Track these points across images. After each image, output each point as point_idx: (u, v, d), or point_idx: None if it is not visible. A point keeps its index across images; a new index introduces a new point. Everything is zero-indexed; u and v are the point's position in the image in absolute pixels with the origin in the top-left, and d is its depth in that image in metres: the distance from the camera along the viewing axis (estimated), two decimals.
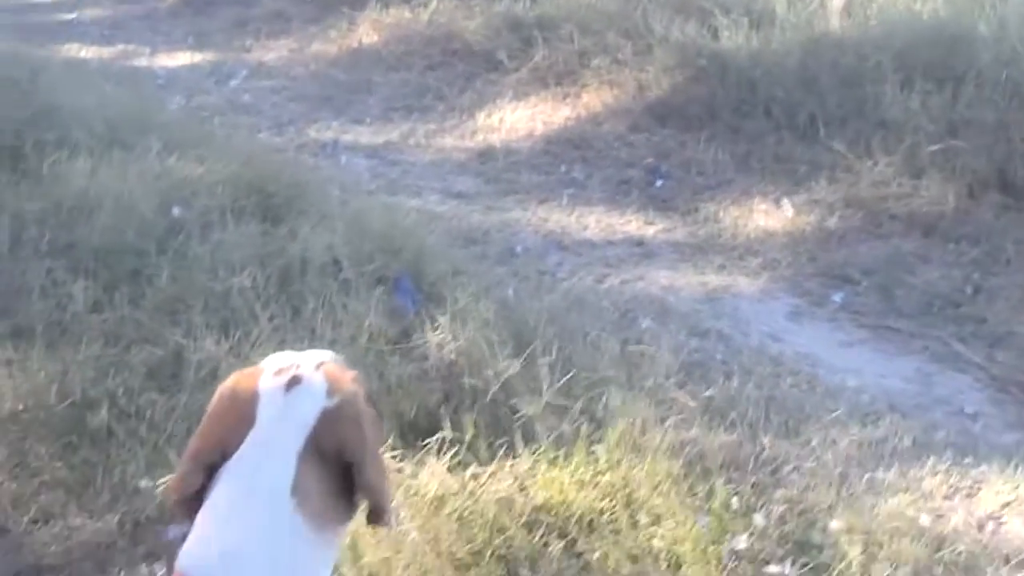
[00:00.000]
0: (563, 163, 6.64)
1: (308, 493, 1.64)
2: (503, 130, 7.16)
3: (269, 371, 1.77)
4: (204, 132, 6.48)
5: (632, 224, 5.82)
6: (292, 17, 10.10)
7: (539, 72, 7.63)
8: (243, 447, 1.68)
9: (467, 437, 3.33)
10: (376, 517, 1.73)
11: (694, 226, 5.77)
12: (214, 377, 3.77)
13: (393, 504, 1.76)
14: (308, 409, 1.69)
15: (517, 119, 7.24)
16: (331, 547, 1.72)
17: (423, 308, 4.07)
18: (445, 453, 3.33)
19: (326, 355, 1.82)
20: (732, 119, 6.54)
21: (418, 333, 3.88)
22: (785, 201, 5.82)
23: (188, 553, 1.65)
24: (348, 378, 1.76)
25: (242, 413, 1.71)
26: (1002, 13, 6.69)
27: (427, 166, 6.77)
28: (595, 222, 5.86)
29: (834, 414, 3.94)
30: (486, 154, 6.86)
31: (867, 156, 5.95)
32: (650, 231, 5.74)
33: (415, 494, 3.16)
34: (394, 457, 3.31)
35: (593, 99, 7.17)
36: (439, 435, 3.31)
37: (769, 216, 5.75)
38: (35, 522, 3.50)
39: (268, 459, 1.66)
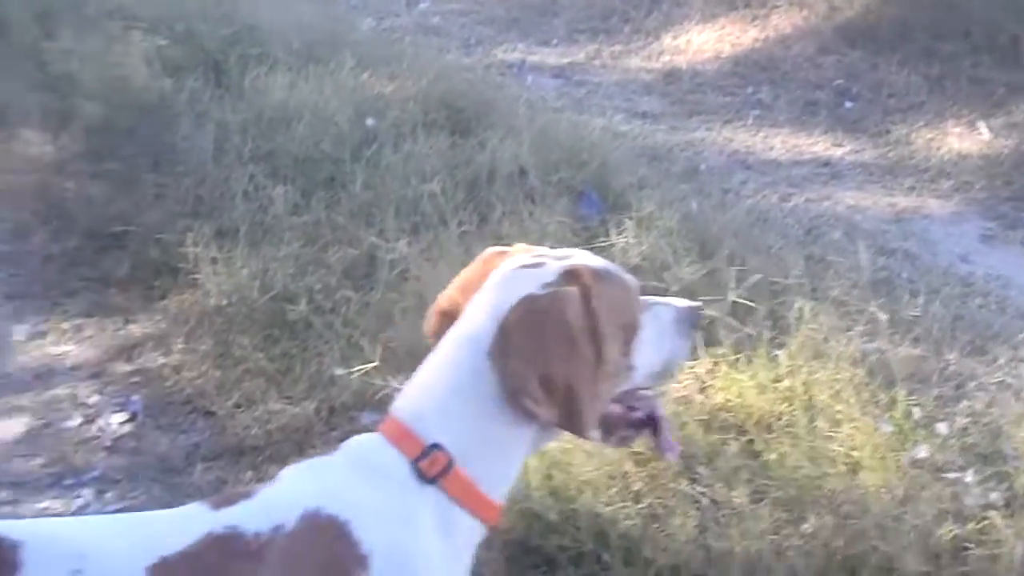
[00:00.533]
0: (750, 85, 6.57)
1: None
2: (689, 52, 7.11)
3: (529, 253, 1.83)
4: (395, 51, 6.61)
5: (819, 145, 5.75)
6: None
7: None
8: (466, 307, 1.78)
9: None
10: (564, 423, 1.71)
11: (884, 148, 5.67)
12: (404, 277, 3.95)
13: (593, 418, 1.72)
14: (519, 289, 1.73)
15: (704, 41, 7.18)
16: (524, 427, 1.73)
17: (608, 217, 4.13)
18: None
19: (590, 258, 1.82)
20: (926, 40, 6.36)
21: (603, 238, 3.95)
22: (981, 124, 5.66)
23: (401, 396, 1.77)
24: (582, 280, 1.73)
25: (482, 276, 1.81)
26: None
27: (612, 86, 6.79)
28: (781, 143, 5.80)
29: None
30: (672, 75, 6.84)
31: None
32: (838, 152, 5.66)
33: None
34: None
35: (782, 21, 7.06)
36: None
37: (963, 139, 5.60)
38: (238, 407, 3.74)
39: (475, 320, 1.74)
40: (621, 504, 2.98)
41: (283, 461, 3.46)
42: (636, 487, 3.05)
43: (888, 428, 3.17)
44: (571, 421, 1.69)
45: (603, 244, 3.88)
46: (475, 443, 1.70)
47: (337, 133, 5.01)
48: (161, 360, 4.06)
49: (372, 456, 1.69)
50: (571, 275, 1.73)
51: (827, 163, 5.53)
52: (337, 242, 4.20)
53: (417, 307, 3.81)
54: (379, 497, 1.65)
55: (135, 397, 3.89)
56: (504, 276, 1.77)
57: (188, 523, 1.61)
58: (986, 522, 2.90)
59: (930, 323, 3.85)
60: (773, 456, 3.12)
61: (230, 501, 1.65)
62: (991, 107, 5.78)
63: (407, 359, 3.59)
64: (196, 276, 4.27)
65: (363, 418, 3.48)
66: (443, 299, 1.85)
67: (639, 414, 1.88)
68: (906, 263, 4.47)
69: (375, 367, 3.49)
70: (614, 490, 3.02)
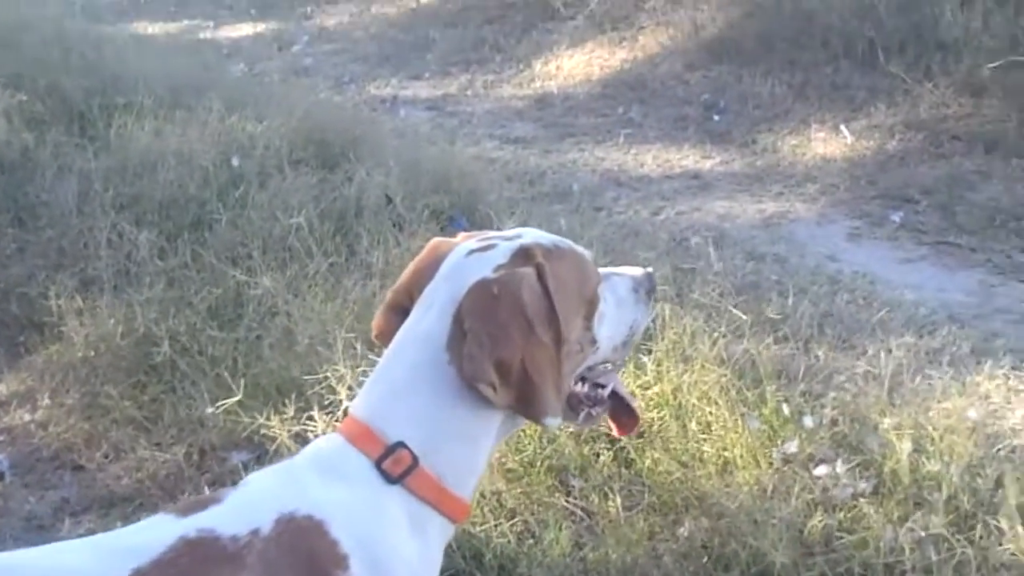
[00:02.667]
0: (620, 105, 6.64)
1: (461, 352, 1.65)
2: (560, 76, 7.18)
3: (478, 238, 1.79)
4: (265, 93, 6.57)
5: (689, 159, 5.82)
6: None
7: (595, 18, 7.63)
8: (419, 298, 1.73)
9: None
10: (521, 409, 1.67)
11: (752, 157, 5.76)
12: (272, 312, 3.89)
13: (553, 402, 1.66)
14: (472, 275, 1.69)
15: (574, 65, 7.25)
16: (489, 418, 1.69)
17: None
18: None
19: (540, 235, 1.79)
20: (788, 51, 6.49)
21: None
22: (843, 128, 5.78)
23: (359, 396, 1.72)
24: (535, 259, 1.70)
25: (431, 265, 1.75)
26: None
27: (485, 115, 6.82)
28: (652, 159, 5.86)
29: (890, 325, 3.93)
30: (544, 100, 6.89)
31: (926, 78, 5.88)
32: (707, 164, 5.74)
33: None
34: None
35: (649, 41, 7.16)
36: None
37: (828, 143, 5.71)
38: (107, 457, 3.64)
39: (429, 312, 1.70)
40: (495, 522, 2.95)
41: (154, 509, 3.40)
42: (509, 504, 3.02)
43: (757, 425, 3.18)
44: (528, 406, 1.65)
45: None
46: (438, 440, 1.66)
47: (203, 175, 4.94)
48: (27, 417, 3.94)
49: (335, 458, 1.65)
50: (523, 255, 1.71)
51: (697, 175, 5.60)
52: (203, 282, 4.13)
53: (284, 342, 3.77)
54: (350, 498, 1.61)
55: (0, 456, 3.77)
56: (455, 263, 1.72)
57: (157, 532, 1.53)
58: (855, 510, 2.93)
59: (798, 321, 3.90)
60: (646, 463, 3.12)
61: (199, 507, 1.58)
62: (852, 111, 5.90)
63: (276, 394, 3.55)
64: (61, 329, 4.16)
65: (233, 458, 3.42)
66: (391, 294, 1.80)
67: (605, 391, 1.85)
68: (775, 266, 4.53)
69: (243, 404, 3.42)
70: (487, 508, 2.99)
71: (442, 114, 6.90)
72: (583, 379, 1.82)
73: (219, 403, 3.41)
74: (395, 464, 1.62)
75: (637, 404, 1.93)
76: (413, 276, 1.77)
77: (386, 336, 1.76)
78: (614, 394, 1.86)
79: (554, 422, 1.68)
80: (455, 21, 8.54)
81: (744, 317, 3.55)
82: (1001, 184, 5.10)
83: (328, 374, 3.34)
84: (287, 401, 3.36)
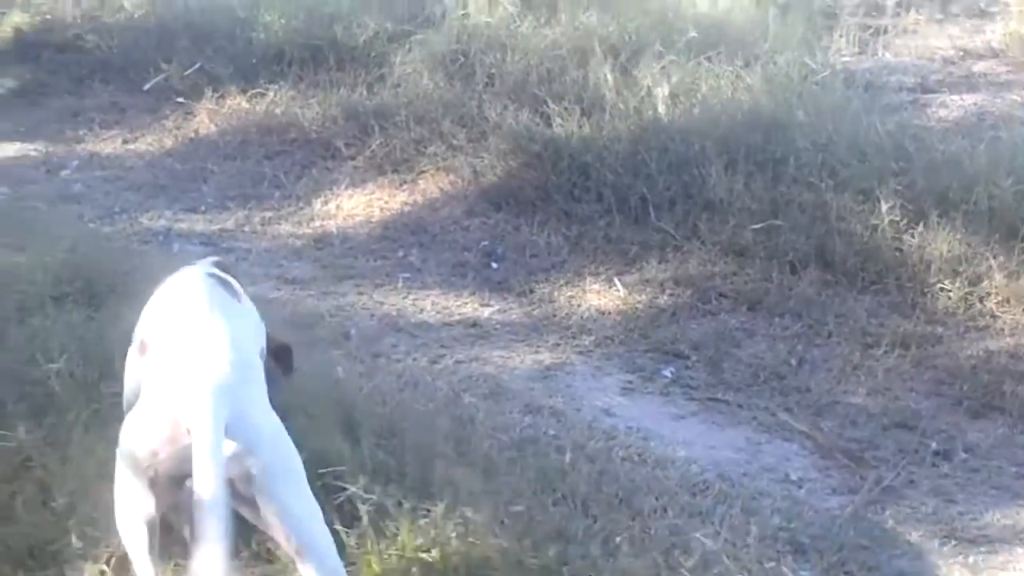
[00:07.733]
0: (400, 248, 6.64)
1: None
2: (340, 216, 7.13)
3: None
4: (28, 221, 6.29)
5: (468, 306, 5.84)
6: (127, 108, 9.89)
7: (376, 159, 7.64)
8: None
9: None
10: None
11: (529, 307, 5.82)
12: (26, 466, 3.64)
13: None
14: None
15: (354, 205, 7.23)
16: None
17: None
18: None
19: None
20: (565, 203, 6.65)
21: None
22: (617, 281, 5.93)
23: None
24: None
25: None
26: (819, 101, 7.01)
27: (262, 253, 6.69)
28: (431, 305, 5.86)
29: (665, 484, 4.00)
30: (322, 240, 6.82)
31: (694, 236, 6.12)
32: (485, 312, 5.77)
33: None
34: None
35: (429, 185, 7.21)
36: None
37: (602, 295, 5.84)
38: None
39: None
40: None
41: None
42: None
43: None
44: None
45: None
46: None
47: None
48: None
49: None
50: None
51: (476, 323, 5.63)
52: None
53: (40, 499, 3.53)
54: None
55: None
56: None
57: None
58: None
59: (575, 479, 3.92)
60: None
61: None
62: (625, 264, 6.08)
63: (28, 558, 3.30)
64: None
65: None
66: None
67: None
68: (552, 419, 4.56)
69: None
70: None
71: (218, 250, 6.70)
72: None
73: None
74: None
75: None
76: None
77: None
78: None
79: None
80: (234, 154, 8.38)
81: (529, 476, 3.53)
82: (764, 342, 5.32)
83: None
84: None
